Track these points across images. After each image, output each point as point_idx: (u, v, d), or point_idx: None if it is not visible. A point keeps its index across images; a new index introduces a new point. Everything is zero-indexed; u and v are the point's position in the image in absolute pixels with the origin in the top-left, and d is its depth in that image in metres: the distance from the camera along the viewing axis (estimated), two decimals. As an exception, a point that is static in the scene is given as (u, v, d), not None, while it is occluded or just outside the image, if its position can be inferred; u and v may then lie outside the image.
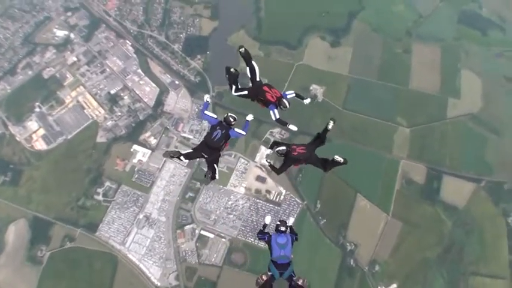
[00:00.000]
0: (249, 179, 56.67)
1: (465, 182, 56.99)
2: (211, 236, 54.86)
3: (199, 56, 64.02)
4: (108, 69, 62.35)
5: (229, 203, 56.05)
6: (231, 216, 55.43)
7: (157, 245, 54.75)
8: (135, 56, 64.04)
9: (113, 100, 60.70)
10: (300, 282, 10.46)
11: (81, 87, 61.16)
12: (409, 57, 63.93)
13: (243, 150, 57.53)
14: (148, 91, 61.48)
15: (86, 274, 52.94)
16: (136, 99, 60.85)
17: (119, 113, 59.96)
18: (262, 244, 52.13)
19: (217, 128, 11.46)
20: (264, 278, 10.47)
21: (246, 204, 55.87)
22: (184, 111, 60.47)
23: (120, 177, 57.14)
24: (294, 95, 12.53)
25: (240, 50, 12.12)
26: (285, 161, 11.87)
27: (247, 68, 12.56)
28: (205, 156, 11.54)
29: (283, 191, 55.73)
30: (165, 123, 59.56)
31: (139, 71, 62.87)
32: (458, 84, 62.22)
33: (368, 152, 57.91)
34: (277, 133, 57.94)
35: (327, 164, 12.07)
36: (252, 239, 54.20)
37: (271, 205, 55.77)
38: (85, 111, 60.06)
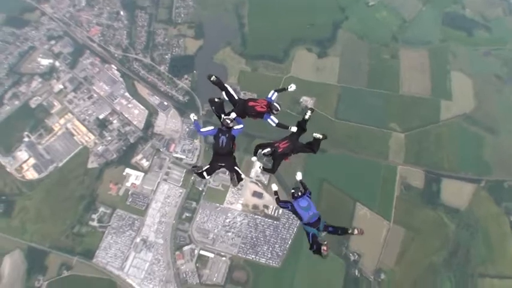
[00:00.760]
0: (245, 195, 62.73)
1: (465, 183, 62.87)
2: (211, 255, 60.42)
3: (186, 76, 71.14)
4: (95, 95, 69.25)
5: (227, 220, 61.90)
6: (230, 234, 61.17)
7: (156, 268, 60.25)
8: (121, 79, 70.96)
9: (102, 125, 67.38)
10: (353, 232, 12.37)
11: (69, 114, 67.86)
12: (397, 63, 71.13)
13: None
14: (137, 114, 68.24)
15: None
16: (125, 123, 67.53)
17: (109, 138, 66.44)
18: (263, 260, 58.84)
19: (220, 135, 12.55)
20: (325, 248, 12.12)
21: (244, 220, 61.79)
22: (174, 131, 67.13)
23: (114, 201, 63.23)
24: (276, 93, 13.82)
25: (212, 78, 13.14)
26: (274, 159, 13.39)
27: (223, 93, 13.56)
28: (223, 164, 12.67)
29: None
30: (157, 144, 66.12)
31: (127, 94, 69.78)
32: (449, 86, 69.25)
33: (364, 160, 64.07)
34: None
35: (312, 145, 13.67)
36: (253, 256, 59.92)
37: (269, 220, 61.76)
38: (74, 137, 66.54)
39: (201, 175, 12.84)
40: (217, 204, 62.54)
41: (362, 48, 72.42)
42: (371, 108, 67.17)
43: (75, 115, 67.57)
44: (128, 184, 63.46)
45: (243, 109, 13.30)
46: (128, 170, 64.40)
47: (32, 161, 64.90)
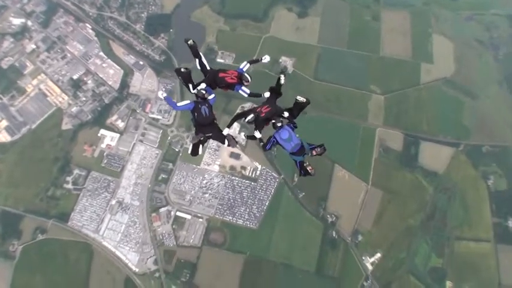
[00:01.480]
0: (222, 156, 61.74)
1: (443, 147, 62.77)
2: (188, 217, 59.55)
3: (162, 35, 69.29)
4: (69, 55, 67.29)
5: (204, 182, 60.99)
6: (207, 195, 60.32)
7: (132, 230, 59.30)
8: (96, 39, 68.93)
9: (76, 85, 65.58)
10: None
11: (42, 74, 65.86)
12: (378, 24, 70.33)
13: None
14: (112, 74, 66.48)
15: (61, 266, 57.00)
16: (100, 83, 65.79)
17: (84, 98, 64.74)
18: (240, 221, 58.46)
19: (200, 106, 12.46)
20: (310, 167, 12.25)
21: (222, 182, 60.91)
22: (150, 91, 65.63)
23: (89, 163, 61.79)
24: (248, 64, 13.52)
25: (188, 42, 13.08)
26: (257, 125, 12.96)
27: (197, 60, 13.49)
28: (210, 134, 12.58)
29: (259, 166, 60.76)
30: (132, 105, 64.65)
31: (102, 53, 67.82)
32: (430, 49, 68.67)
33: (343, 122, 63.50)
34: (248, 107, 61.81)
35: (294, 110, 13.27)
36: (230, 217, 59.22)
37: (247, 181, 60.96)
38: (48, 98, 64.66)
39: (195, 151, 12.77)
40: (194, 166, 61.53)
41: (343, 8, 71.47)
42: (351, 69, 66.52)
43: (49, 76, 65.67)
44: (103, 145, 62.12)
45: (213, 80, 13.14)
46: (102, 131, 62.94)
47: (4, 123, 63.08)
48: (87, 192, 60.45)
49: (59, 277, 56.32)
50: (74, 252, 57.81)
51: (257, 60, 13.87)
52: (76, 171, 60.92)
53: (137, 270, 57.41)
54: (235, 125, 60.91)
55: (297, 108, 13.15)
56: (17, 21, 68.38)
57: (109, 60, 67.29)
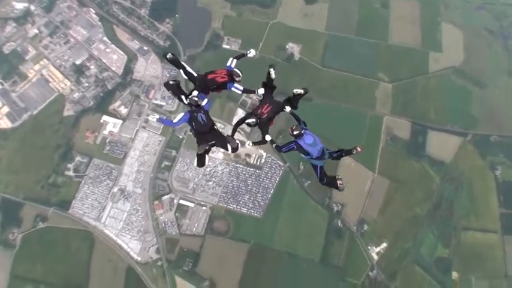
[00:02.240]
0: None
1: (451, 136, 61.56)
2: (191, 205, 58.27)
3: (167, 20, 67.80)
4: (72, 39, 65.95)
5: (208, 169, 59.52)
6: (211, 183, 59.05)
7: (134, 218, 57.99)
8: (100, 23, 67.52)
9: (78, 71, 64.20)
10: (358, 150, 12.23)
11: (45, 59, 64.42)
12: (387, 12, 69.04)
13: (219, 114, 60.87)
14: (115, 59, 65.12)
15: (61, 254, 55.54)
16: (103, 68, 64.44)
17: (86, 84, 63.37)
18: (244, 210, 57.31)
19: (196, 114, 11.86)
20: (341, 182, 11.94)
21: (226, 169, 59.65)
22: (154, 77, 64.37)
23: (91, 150, 60.52)
24: (235, 60, 13.13)
25: (167, 56, 12.39)
26: (262, 128, 12.55)
27: (181, 71, 12.71)
28: (213, 142, 12.05)
29: (264, 154, 59.52)
30: (136, 91, 63.30)
31: (105, 38, 66.48)
32: (440, 38, 67.38)
33: (350, 110, 62.16)
34: (249, 104, 61.03)
35: (292, 101, 13.00)
36: (234, 206, 57.97)
37: (251, 169, 59.70)
38: (50, 84, 63.23)
39: (201, 162, 12.24)
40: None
41: None
42: (359, 57, 65.25)
43: (51, 61, 64.25)
44: (106, 132, 60.75)
45: (204, 84, 12.57)
46: (105, 118, 61.52)
47: (5, 109, 61.64)
48: (89, 179, 59.09)
49: (59, 266, 54.92)
50: (75, 240, 56.46)
51: (243, 55, 13.28)
52: (78, 158, 59.58)
53: (139, 259, 56.11)
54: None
55: (296, 99, 12.89)
56: (20, 6, 66.96)
57: (113, 45, 65.90)
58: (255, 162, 59.64)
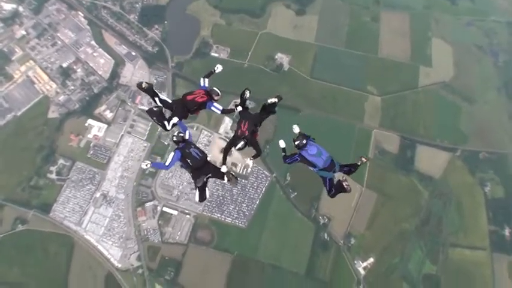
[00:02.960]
0: (213, 152, 58.49)
1: (440, 151, 60.72)
2: (175, 212, 56.66)
3: (156, 26, 66.91)
4: (59, 42, 64.67)
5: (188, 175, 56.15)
6: (195, 191, 55.24)
7: (116, 225, 56.28)
8: (88, 27, 66.35)
9: (65, 73, 62.82)
10: (362, 161, 11.80)
11: (31, 61, 63.04)
12: (377, 26, 68.71)
13: (206, 122, 60.21)
14: (103, 63, 63.90)
15: (40, 259, 53.78)
16: (90, 72, 63.16)
17: (72, 87, 61.97)
18: (229, 220, 55.85)
19: (187, 150, 11.72)
20: (347, 183, 11.58)
21: (211, 178, 55.97)
22: None
23: (74, 153, 58.82)
24: (206, 79, 12.80)
25: (143, 85, 11.88)
26: (253, 145, 12.36)
27: (156, 99, 12.31)
28: (210, 176, 12.27)
29: (250, 163, 57.88)
30: (122, 95, 62.02)
31: (93, 42, 65.27)
32: (430, 53, 67.10)
33: (338, 122, 61.24)
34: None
35: (265, 111, 12.65)
36: (218, 215, 56.36)
37: (237, 179, 56.04)
38: (35, 86, 61.77)
39: (203, 195, 12.53)
40: None
41: (342, 8, 69.90)
42: (348, 69, 64.57)
43: (37, 62, 62.88)
44: (90, 136, 59.21)
45: (183, 107, 12.12)
46: (90, 121, 60.03)
47: None
48: (71, 183, 57.36)
49: (37, 270, 53.04)
50: (54, 245, 54.62)
51: (211, 72, 12.92)
52: (60, 161, 57.86)
53: (119, 265, 54.34)
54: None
55: (272, 107, 12.50)
56: (8, 7, 65.76)
57: (100, 49, 64.69)
58: (241, 171, 58.14)
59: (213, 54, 64.45)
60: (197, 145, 12.87)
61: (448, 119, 62.71)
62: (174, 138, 11.83)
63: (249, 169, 57.90)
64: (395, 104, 62.69)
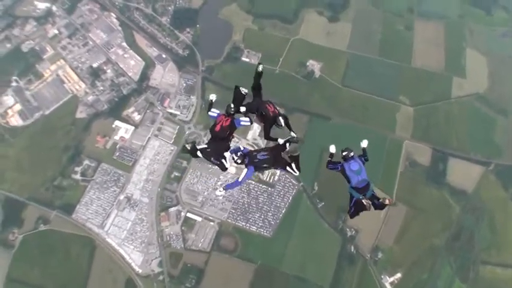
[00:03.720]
0: None
1: (473, 165, 57.70)
2: (199, 219, 54.77)
3: (188, 29, 65.69)
4: (91, 42, 64.09)
5: (219, 183, 56.13)
6: (220, 197, 55.30)
7: (139, 229, 54.63)
8: (120, 28, 65.60)
9: (95, 74, 62.04)
10: (386, 202, 11.31)
11: (62, 60, 62.45)
12: (411, 34, 66.16)
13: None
14: (133, 65, 62.93)
15: (60, 260, 52.30)
16: (120, 73, 62.23)
17: (101, 88, 61.14)
18: (254, 228, 53.72)
19: (255, 160, 11.57)
20: (369, 202, 11.25)
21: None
22: (171, 85, 61.84)
23: (100, 155, 57.61)
24: (213, 109, 12.16)
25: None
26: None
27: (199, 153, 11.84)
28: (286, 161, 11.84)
29: (278, 172, 55.21)
30: (151, 98, 60.76)
31: (124, 44, 64.44)
32: (464, 63, 64.22)
33: (369, 131, 58.12)
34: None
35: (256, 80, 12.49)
36: (243, 223, 54.29)
37: (264, 186, 56.24)
38: (65, 85, 61.05)
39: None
40: (210, 166, 55.49)
41: (376, 16, 67.61)
42: (380, 78, 62.13)
43: (68, 62, 62.25)
44: (117, 137, 58.02)
45: (220, 141, 11.80)
46: (117, 123, 58.88)
47: (18, 107, 59.19)
48: (96, 184, 55.98)
49: (58, 271, 51.50)
50: (75, 246, 53.11)
51: (211, 103, 12.52)
52: (86, 162, 56.66)
53: (140, 271, 52.56)
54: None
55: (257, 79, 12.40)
56: (42, 6, 65.40)
57: (131, 51, 63.77)
58: (267, 179, 56.08)
59: (244, 59, 63.00)
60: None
61: (481, 131, 59.88)
62: (238, 161, 11.35)
63: (276, 177, 55.43)
64: (428, 115, 60.04)
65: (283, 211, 54.70)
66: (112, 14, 66.18)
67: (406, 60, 63.75)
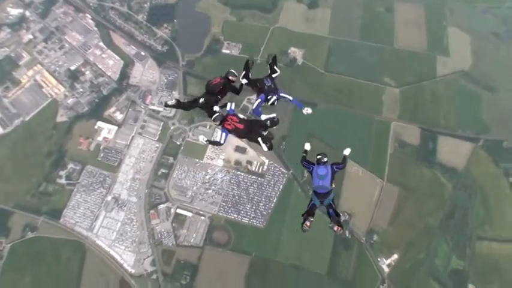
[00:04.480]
0: (227, 150, 56.21)
1: (462, 142, 57.46)
2: (189, 214, 53.78)
3: (166, 25, 65.14)
4: (67, 45, 63.21)
5: (207, 177, 55.41)
6: (210, 191, 54.73)
7: (128, 228, 53.61)
8: (96, 29, 64.87)
9: (73, 76, 61.14)
10: (335, 229, 11.60)
11: (39, 65, 61.56)
12: (391, 16, 66.08)
13: None
14: (111, 64, 62.15)
15: (51, 266, 51.32)
16: (99, 74, 61.38)
17: (81, 90, 60.20)
18: (246, 220, 52.79)
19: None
20: (308, 224, 11.93)
21: (226, 177, 55.38)
22: (152, 82, 61.12)
23: (84, 157, 56.64)
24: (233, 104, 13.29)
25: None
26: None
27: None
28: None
29: (266, 161, 55.72)
30: (132, 96, 59.98)
31: (101, 44, 63.67)
32: (446, 42, 64.18)
33: (356, 115, 58.43)
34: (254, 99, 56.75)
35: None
36: (235, 215, 53.40)
37: (253, 177, 55.37)
38: (43, 90, 60.08)
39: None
40: (197, 160, 56.17)
41: (355, 0, 66.90)
42: (364, 61, 61.91)
43: (45, 66, 61.38)
44: (100, 138, 57.11)
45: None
46: (100, 124, 57.99)
47: None
48: (81, 187, 54.90)
49: (49, 278, 50.48)
50: (65, 251, 52.02)
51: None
52: (70, 166, 55.61)
53: (133, 271, 51.40)
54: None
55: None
56: (15, 12, 64.65)
57: (109, 50, 63.01)
58: (256, 169, 55.26)
59: (224, 51, 62.44)
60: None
61: (469, 108, 59.57)
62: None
63: (265, 166, 54.73)
64: (414, 95, 59.80)
65: (274, 200, 53.91)
66: (87, 15, 65.38)
67: (388, 42, 63.53)
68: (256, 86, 13.14)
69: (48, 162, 55.55)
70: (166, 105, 13.21)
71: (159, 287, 50.63)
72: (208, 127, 56.68)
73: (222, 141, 12.23)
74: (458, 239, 52.03)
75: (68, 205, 53.90)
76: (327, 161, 11.95)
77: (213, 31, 63.46)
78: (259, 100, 12.81)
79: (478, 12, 67.16)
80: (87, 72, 61.03)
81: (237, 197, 54.24)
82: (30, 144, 56.55)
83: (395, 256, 51.59)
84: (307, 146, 12.65)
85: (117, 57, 62.27)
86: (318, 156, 12.07)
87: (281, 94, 13.07)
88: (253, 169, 55.33)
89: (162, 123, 57.96)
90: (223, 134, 12.11)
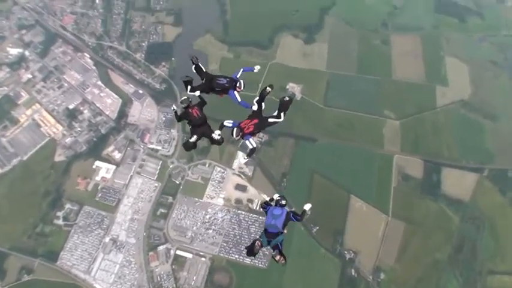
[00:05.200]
0: (227, 189, 55.01)
1: (466, 173, 55.92)
2: (189, 255, 52.23)
3: (163, 63, 64.94)
4: (65, 84, 62.64)
5: (207, 216, 53.92)
6: (210, 231, 53.21)
7: (127, 271, 51.78)
8: (94, 68, 64.48)
9: (71, 115, 60.47)
10: (277, 258, 10.99)
11: (37, 104, 60.89)
12: (388, 48, 65.54)
13: (218, 158, 56.56)
14: (110, 103, 61.42)
15: None
16: (97, 113, 60.65)
17: (79, 129, 59.44)
18: (248, 260, 50.64)
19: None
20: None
21: (226, 216, 53.86)
22: (150, 121, 60.32)
23: (82, 197, 55.32)
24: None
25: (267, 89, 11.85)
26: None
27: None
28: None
29: (268, 199, 51.54)
30: (130, 135, 59.11)
31: (100, 83, 63.11)
32: (444, 72, 63.45)
33: (357, 149, 57.15)
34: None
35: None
36: (236, 256, 51.64)
37: (254, 215, 53.73)
38: (41, 129, 59.29)
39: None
40: (196, 199, 54.88)
41: (351, 34, 66.94)
42: (363, 94, 60.99)
43: (43, 105, 60.71)
44: (98, 178, 56.00)
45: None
46: (98, 163, 56.95)
47: None
48: (79, 228, 53.45)
49: (44, 325, 48.66)
50: (61, 295, 50.42)
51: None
52: (68, 206, 54.32)
53: (132, 316, 49.36)
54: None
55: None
56: (14, 51, 64.45)
57: (107, 89, 62.41)
58: (257, 207, 53.54)
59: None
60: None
61: (471, 137, 58.47)
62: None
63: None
64: (415, 127, 58.66)
65: (276, 239, 52.04)
66: (86, 54, 65.21)
67: (386, 74, 62.85)
68: (217, 90, 12.90)
69: (46, 203, 54.30)
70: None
71: (158, 333, 48.55)
72: (207, 165, 55.42)
73: (254, 145, 11.78)
74: (468, 274, 50.12)
75: (65, 247, 52.37)
76: (285, 204, 11.37)
77: (211, 68, 62.48)
78: (235, 95, 12.38)
79: (474, 41, 66.74)
80: (86, 111, 60.34)
81: (238, 237, 52.50)
82: (28, 184, 55.35)
83: (403, 295, 49.32)
84: (307, 207, 11.56)
85: (116, 96, 61.65)
86: (277, 198, 11.57)
87: (236, 76, 12.72)
88: (254, 207, 53.79)
89: (161, 162, 56.85)
90: (250, 139, 11.63)
